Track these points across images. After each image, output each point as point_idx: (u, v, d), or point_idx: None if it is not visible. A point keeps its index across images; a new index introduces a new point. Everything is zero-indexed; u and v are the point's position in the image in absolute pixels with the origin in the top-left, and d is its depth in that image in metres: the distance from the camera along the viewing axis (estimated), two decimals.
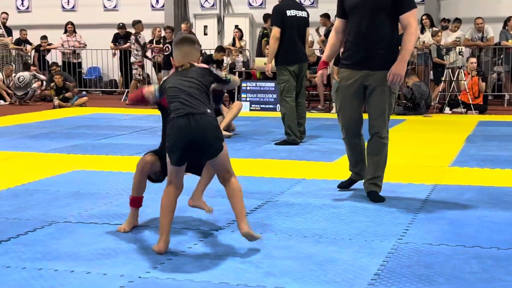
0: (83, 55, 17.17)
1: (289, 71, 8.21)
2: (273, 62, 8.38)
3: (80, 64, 16.84)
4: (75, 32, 16.76)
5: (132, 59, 14.88)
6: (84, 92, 14.83)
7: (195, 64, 4.14)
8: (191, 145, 3.94)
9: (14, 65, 15.80)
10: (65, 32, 16.72)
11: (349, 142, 5.40)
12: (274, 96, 12.74)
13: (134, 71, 14.77)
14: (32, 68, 15.37)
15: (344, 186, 5.61)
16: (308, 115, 12.19)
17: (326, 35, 14.49)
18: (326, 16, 14.47)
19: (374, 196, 5.22)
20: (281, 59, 8.24)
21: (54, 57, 16.94)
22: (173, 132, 3.93)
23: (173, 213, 4.00)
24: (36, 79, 14.70)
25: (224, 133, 8.10)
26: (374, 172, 5.26)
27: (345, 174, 6.26)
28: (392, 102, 5.23)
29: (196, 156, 4.10)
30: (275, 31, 8.20)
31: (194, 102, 3.95)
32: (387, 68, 5.06)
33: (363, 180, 5.44)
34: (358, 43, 5.20)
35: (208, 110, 3.98)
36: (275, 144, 8.25)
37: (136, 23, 14.89)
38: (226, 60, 14.73)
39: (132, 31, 16.11)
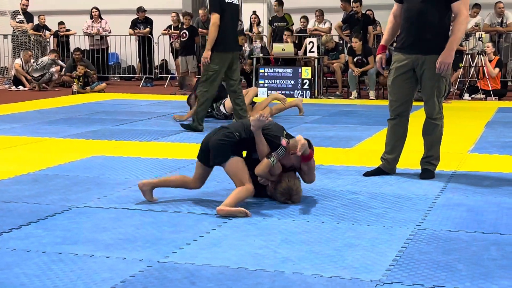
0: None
1: (223, 60, 8.13)
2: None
3: (107, 49, 16.74)
4: (101, 18, 16.62)
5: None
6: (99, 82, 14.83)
7: None
8: (203, 147, 4.80)
9: (33, 51, 15.88)
10: (91, 17, 16.65)
11: (392, 123, 5.59)
12: (292, 82, 12.72)
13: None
14: (52, 54, 15.42)
15: (371, 174, 5.64)
16: (326, 101, 12.21)
17: (344, 21, 14.43)
18: (347, 0, 14.39)
19: (424, 174, 5.51)
20: (217, 46, 8.08)
21: (78, 43, 16.86)
22: None
23: (176, 183, 4.91)
24: (55, 64, 14.78)
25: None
26: (428, 151, 5.55)
27: (363, 160, 6.25)
28: (441, 86, 5.41)
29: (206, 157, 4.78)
30: (215, 18, 8.01)
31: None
32: (437, 53, 5.26)
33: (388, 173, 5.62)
34: (408, 28, 5.41)
35: (228, 130, 4.67)
36: (181, 125, 8.39)
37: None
38: (243, 47, 14.69)
39: (151, 16, 16.10)
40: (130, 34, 16.31)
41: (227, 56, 8.15)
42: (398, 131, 5.58)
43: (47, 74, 14.48)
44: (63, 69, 15.29)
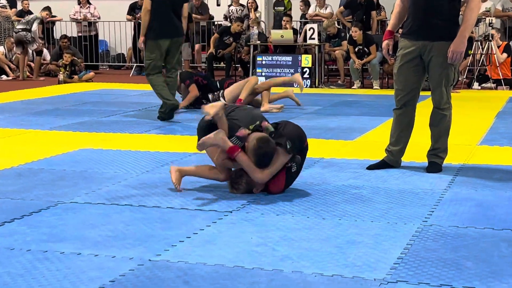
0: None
1: (158, 47, 8.35)
2: None
3: (96, 36, 16.68)
4: (89, 3, 16.57)
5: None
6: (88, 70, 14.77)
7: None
8: None
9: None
10: (79, 3, 16.59)
11: (398, 113, 5.60)
12: (291, 70, 12.71)
13: None
14: (44, 12, 15.34)
15: (374, 167, 5.65)
16: (327, 91, 12.21)
17: (345, 5, 14.41)
18: None
19: (431, 167, 5.53)
20: (150, 33, 8.35)
21: (65, 29, 16.79)
22: None
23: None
24: (38, 21, 14.62)
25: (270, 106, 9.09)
26: (435, 143, 5.57)
27: (366, 153, 6.25)
28: (449, 74, 5.40)
29: None
30: (146, 3, 8.34)
31: None
32: (445, 39, 5.26)
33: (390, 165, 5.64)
34: (415, 13, 5.40)
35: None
36: (158, 118, 8.53)
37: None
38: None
39: None
40: (128, 20, 16.18)
41: (162, 43, 8.34)
42: (404, 121, 5.58)
43: (27, 34, 14.31)
44: (43, 51, 15.13)
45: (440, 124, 5.52)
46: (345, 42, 13.16)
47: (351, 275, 3.30)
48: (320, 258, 3.54)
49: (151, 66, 8.44)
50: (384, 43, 5.63)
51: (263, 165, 4.65)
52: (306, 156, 5.02)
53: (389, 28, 5.68)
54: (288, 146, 4.68)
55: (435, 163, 5.55)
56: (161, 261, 3.52)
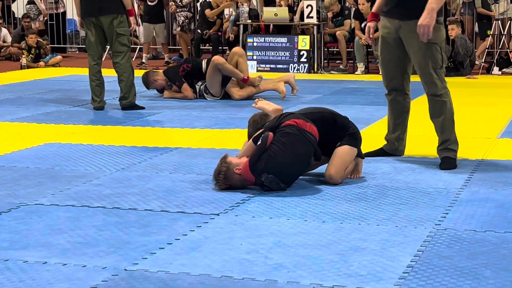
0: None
1: (87, 26, 8.65)
2: None
3: (63, 15, 16.60)
4: None
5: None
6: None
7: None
8: None
9: None
10: None
11: (389, 98, 5.76)
12: (287, 54, 12.72)
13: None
14: None
15: (371, 155, 5.80)
16: (327, 76, 12.22)
17: None
18: None
19: (444, 163, 5.54)
20: (81, 11, 8.71)
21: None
22: None
23: None
24: None
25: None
26: (441, 135, 5.62)
27: (372, 146, 6.26)
28: (434, 54, 5.44)
29: None
30: None
31: None
32: (418, 18, 5.27)
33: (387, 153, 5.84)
34: None
35: None
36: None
37: None
38: (229, 11, 14.66)
39: None
40: None
41: (88, 21, 8.59)
42: (397, 107, 5.74)
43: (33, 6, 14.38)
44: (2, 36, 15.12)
45: (442, 114, 5.53)
46: (348, 21, 13.14)
47: (354, 286, 3.31)
48: (319, 267, 3.55)
49: (87, 44, 8.92)
50: (366, 27, 5.71)
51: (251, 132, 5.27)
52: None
53: (373, 10, 5.73)
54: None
55: (448, 158, 5.57)
56: (139, 271, 3.52)
